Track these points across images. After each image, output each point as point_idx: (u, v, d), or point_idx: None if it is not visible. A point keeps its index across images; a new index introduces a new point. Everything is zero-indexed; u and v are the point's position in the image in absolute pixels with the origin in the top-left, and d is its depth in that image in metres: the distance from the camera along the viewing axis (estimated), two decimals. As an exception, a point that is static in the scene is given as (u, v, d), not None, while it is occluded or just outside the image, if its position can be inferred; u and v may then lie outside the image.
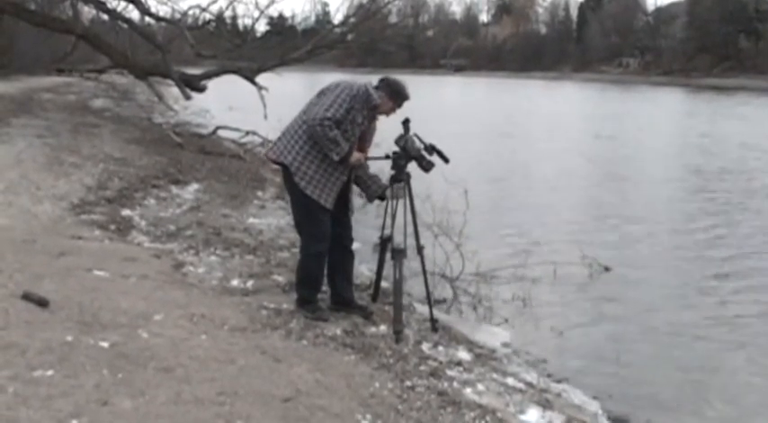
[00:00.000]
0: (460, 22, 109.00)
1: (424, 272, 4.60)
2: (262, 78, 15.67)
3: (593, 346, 5.30)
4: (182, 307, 4.08)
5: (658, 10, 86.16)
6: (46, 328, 3.28)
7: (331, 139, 4.09)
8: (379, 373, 3.68)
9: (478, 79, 74.29)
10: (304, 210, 4.30)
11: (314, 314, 4.38)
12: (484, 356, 4.45)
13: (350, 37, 19.59)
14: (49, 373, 2.83)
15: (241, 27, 23.87)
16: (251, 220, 7.43)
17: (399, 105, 4.39)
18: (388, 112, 4.39)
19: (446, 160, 4.38)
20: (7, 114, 12.50)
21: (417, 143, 4.39)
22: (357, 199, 4.73)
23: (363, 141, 4.37)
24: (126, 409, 2.64)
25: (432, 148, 4.38)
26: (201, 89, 15.45)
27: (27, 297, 3.60)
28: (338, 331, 4.24)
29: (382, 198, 4.52)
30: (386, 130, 4.65)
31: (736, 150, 17.75)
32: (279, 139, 4.37)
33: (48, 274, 4.26)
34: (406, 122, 4.38)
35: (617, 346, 5.24)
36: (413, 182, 4.48)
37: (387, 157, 4.43)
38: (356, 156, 4.25)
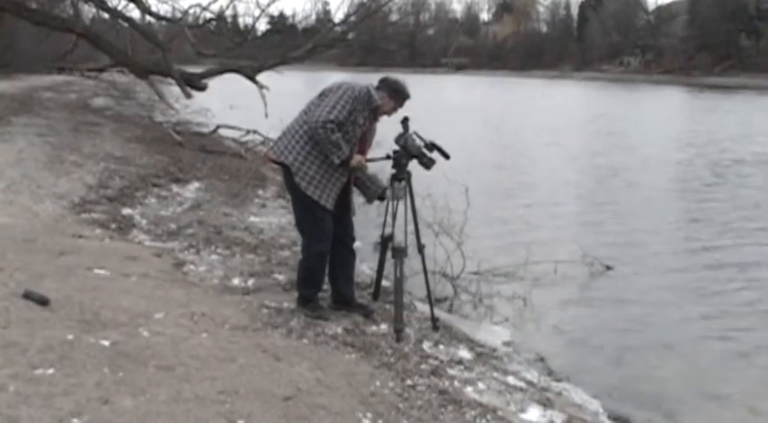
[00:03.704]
0: (461, 21, 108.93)
1: (425, 270, 4.59)
2: (262, 77, 15.67)
3: (594, 344, 5.29)
4: (182, 305, 4.08)
5: (659, 8, 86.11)
6: (47, 327, 3.28)
7: (333, 143, 4.09)
8: (379, 371, 3.68)
9: (479, 78, 74.23)
10: (305, 209, 4.30)
11: (315, 313, 4.38)
12: (485, 355, 4.45)
13: (350, 35, 19.65)
14: (50, 371, 2.83)
15: (242, 26, 23.85)
16: (252, 218, 7.43)
17: (401, 104, 4.40)
18: (389, 112, 4.40)
19: (447, 156, 4.38)
20: (8, 113, 12.51)
21: (417, 141, 4.39)
22: (357, 198, 4.72)
23: (364, 142, 4.37)
24: (127, 408, 2.64)
25: (432, 146, 4.38)
26: (202, 88, 15.45)
27: (28, 296, 3.60)
28: (339, 330, 4.24)
29: (382, 199, 4.52)
30: (386, 130, 4.64)
31: (736, 148, 17.74)
32: (279, 138, 4.37)
33: (48, 272, 4.26)
34: (405, 121, 4.38)
35: (618, 345, 5.25)
36: (413, 180, 4.47)
37: (387, 157, 4.43)
38: (357, 158, 4.24)
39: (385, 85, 4.37)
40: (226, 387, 2.98)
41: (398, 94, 4.37)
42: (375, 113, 4.33)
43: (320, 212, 4.26)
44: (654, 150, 17.45)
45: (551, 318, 5.72)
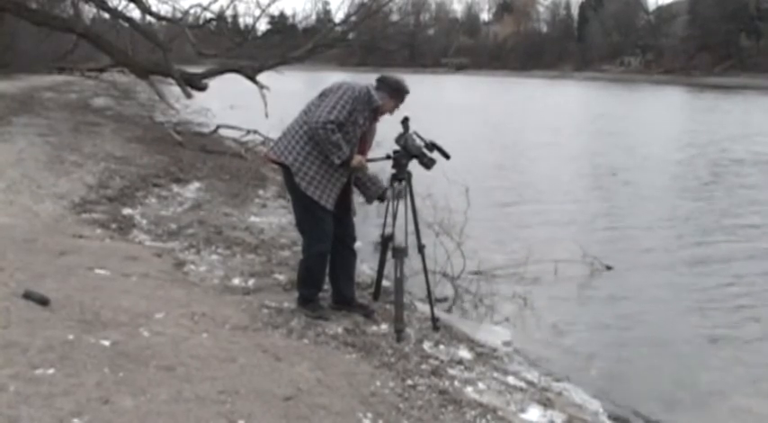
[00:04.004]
0: (461, 21, 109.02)
1: (425, 270, 4.59)
2: (263, 77, 15.66)
3: (595, 344, 5.30)
4: (183, 306, 4.08)
5: (659, 8, 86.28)
6: (47, 327, 3.28)
7: (333, 143, 4.09)
8: (380, 371, 3.68)
9: (480, 78, 74.26)
10: (305, 209, 4.31)
11: (315, 313, 4.38)
12: (485, 355, 4.45)
13: (351, 35, 19.63)
14: (51, 371, 2.83)
15: (242, 26, 23.84)
16: (252, 218, 7.43)
17: (402, 100, 4.40)
18: (391, 110, 4.40)
19: (447, 156, 4.38)
20: (8, 113, 12.51)
21: (417, 141, 4.39)
22: (357, 198, 4.73)
23: (364, 143, 4.37)
24: (127, 408, 2.64)
25: (432, 145, 4.38)
26: (203, 88, 15.45)
27: (28, 296, 3.60)
28: (339, 330, 4.24)
29: (382, 199, 4.52)
30: (386, 130, 4.64)
31: (735, 148, 17.74)
32: (279, 139, 4.37)
33: (49, 272, 4.26)
34: (405, 121, 4.38)
35: (618, 345, 5.25)
36: (414, 180, 4.47)
37: (388, 157, 4.44)
38: (357, 159, 4.24)
39: (384, 85, 4.36)
40: (226, 387, 2.98)
41: (399, 93, 4.37)
42: (375, 113, 4.34)
43: (320, 212, 4.26)
44: (654, 150, 17.45)
45: (551, 317, 5.72)
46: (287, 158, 4.23)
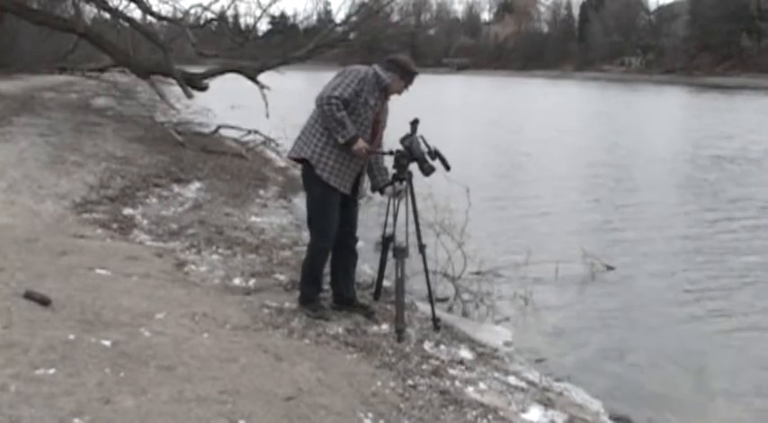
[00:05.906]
0: (462, 21, 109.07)
1: (426, 271, 4.60)
2: (264, 77, 15.67)
3: (596, 344, 5.29)
4: (184, 306, 4.09)
5: (660, 8, 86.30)
6: (48, 327, 3.28)
7: (337, 120, 4.12)
8: (381, 371, 3.68)
9: (481, 78, 74.25)
10: (318, 206, 4.36)
11: (316, 313, 4.39)
12: (486, 355, 4.45)
13: (352, 35, 19.63)
14: (51, 371, 2.83)
15: (243, 26, 23.82)
16: (253, 218, 7.43)
17: (410, 82, 4.43)
18: (400, 91, 4.43)
19: (448, 168, 4.38)
20: (9, 113, 12.51)
21: (422, 146, 4.39)
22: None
23: (378, 123, 4.41)
24: (128, 408, 2.65)
25: (435, 153, 4.38)
26: (203, 88, 15.46)
27: (29, 296, 3.60)
28: (340, 330, 4.24)
29: (382, 192, 4.54)
30: (392, 131, 4.65)
31: (737, 147, 17.73)
32: (298, 138, 4.44)
33: (50, 272, 4.27)
34: (414, 123, 4.41)
35: (619, 345, 5.24)
36: (415, 181, 4.48)
37: (390, 152, 4.45)
38: (360, 145, 4.25)
39: (395, 65, 4.38)
40: (227, 387, 2.98)
41: (409, 75, 4.40)
42: (386, 93, 4.36)
43: (331, 210, 4.32)
44: (654, 150, 17.44)
45: (552, 318, 5.72)
46: (306, 153, 4.30)
